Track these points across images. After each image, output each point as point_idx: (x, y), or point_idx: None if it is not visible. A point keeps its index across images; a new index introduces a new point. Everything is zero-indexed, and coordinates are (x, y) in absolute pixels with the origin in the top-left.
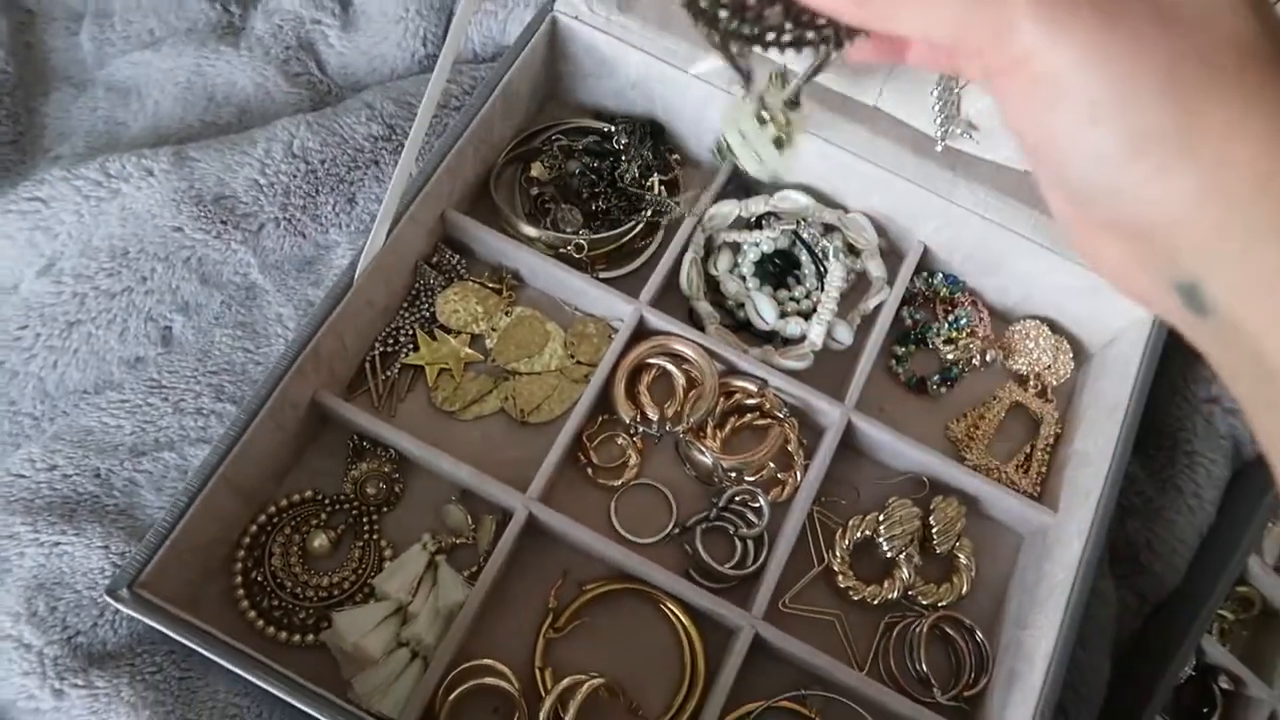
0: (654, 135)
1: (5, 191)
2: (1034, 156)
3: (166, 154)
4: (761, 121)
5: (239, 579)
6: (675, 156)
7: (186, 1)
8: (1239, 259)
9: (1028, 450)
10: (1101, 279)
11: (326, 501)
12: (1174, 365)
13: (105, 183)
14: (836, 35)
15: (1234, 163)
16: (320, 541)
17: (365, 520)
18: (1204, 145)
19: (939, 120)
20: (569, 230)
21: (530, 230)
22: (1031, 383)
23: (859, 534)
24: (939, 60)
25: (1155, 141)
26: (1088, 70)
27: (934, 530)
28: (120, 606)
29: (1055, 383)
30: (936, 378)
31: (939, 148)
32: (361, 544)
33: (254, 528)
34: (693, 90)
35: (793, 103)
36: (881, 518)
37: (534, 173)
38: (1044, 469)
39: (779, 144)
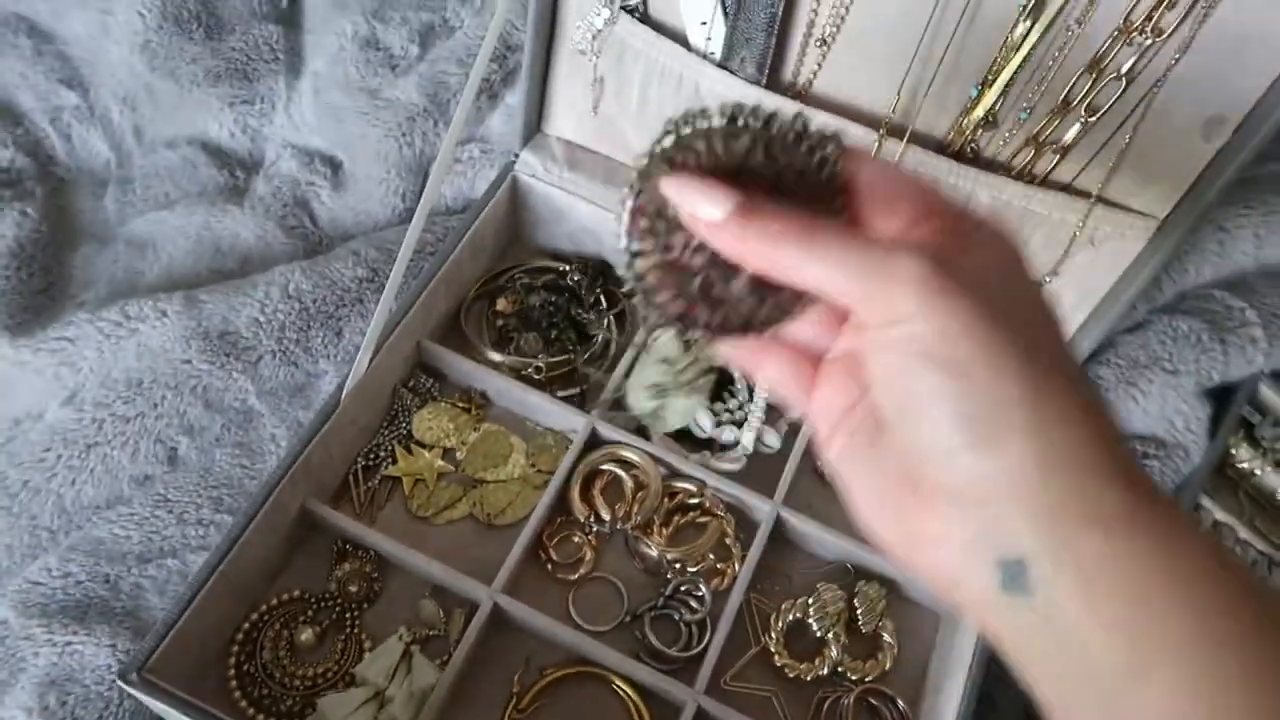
0: (603, 273)
1: (36, 333)
2: (894, 417)
3: (179, 297)
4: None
5: (232, 670)
6: (622, 290)
7: (199, 169)
8: (1070, 540)
9: None
10: (915, 561)
11: (312, 599)
12: None
13: (125, 323)
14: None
15: (1071, 440)
16: (307, 635)
17: (348, 616)
18: (1049, 421)
19: None
20: (530, 355)
21: (495, 356)
22: None
23: (791, 616)
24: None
25: (1007, 407)
26: (956, 336)
27: (859, 611)
28: (130, 690)
29: None
30: None
31: None
32: (344, 637)
33: (247, 624)
34: None
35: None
36: (811, 601)
37: (499, 306)
38: None
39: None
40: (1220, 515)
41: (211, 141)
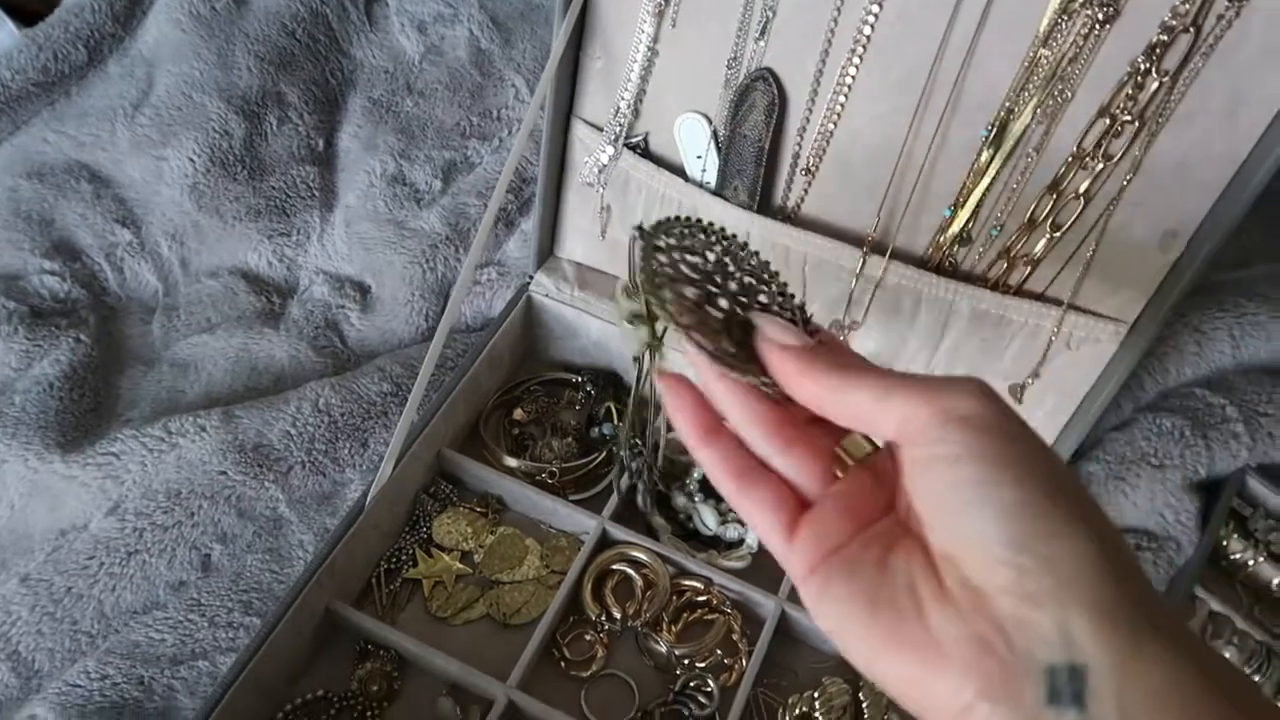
0: (613, 383)
1: (84, 449)
2: (937, 520)
3: (217, 414)
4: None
5: None
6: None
7: (238, 296)
8: (1130, 656)
9: None
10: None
11: (335, 699)
12: None
13: (166, 439)
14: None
15: (1118, 541)
16: None
17: (368, 714)
18: (1100, 519)
19: None
20: (546, 460)
21: (512, 462)
22: None
23: (798, 710)
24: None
25: (1064, 499)
26: (1013, 437)
27: (865, 704)
28: None
29: None
30: None
31: None
32: None
33: None
34: None
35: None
36: (817, 695)
37: (516, 415)
38: None
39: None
40: (1217, 606)
41: (251, 271)
